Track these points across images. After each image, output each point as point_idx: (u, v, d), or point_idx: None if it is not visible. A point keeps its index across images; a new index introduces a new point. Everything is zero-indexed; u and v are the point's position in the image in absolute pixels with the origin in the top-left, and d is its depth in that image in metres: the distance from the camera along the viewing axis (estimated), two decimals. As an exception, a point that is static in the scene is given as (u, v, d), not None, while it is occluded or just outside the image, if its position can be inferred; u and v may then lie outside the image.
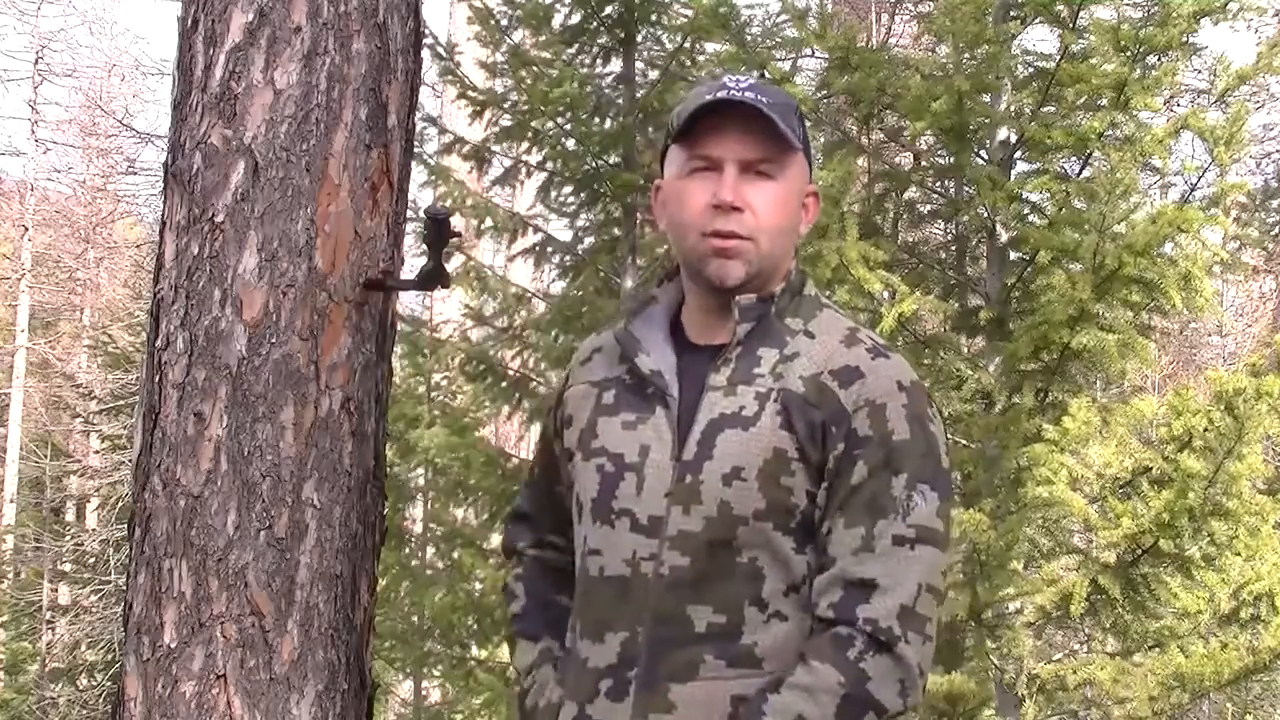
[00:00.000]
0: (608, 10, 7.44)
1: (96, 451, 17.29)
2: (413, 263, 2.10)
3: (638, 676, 1.82)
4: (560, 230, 8.86)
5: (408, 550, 8.36)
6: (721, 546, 1.81)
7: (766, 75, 5.98)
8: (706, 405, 1.85)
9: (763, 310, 1.88)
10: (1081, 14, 5.76)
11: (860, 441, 1.81)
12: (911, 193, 6.60)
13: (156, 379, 2.03)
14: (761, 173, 1.86)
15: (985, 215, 5.89)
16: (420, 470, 8.36)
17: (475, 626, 7.73)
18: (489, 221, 7.91)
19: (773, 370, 1.85)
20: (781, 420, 1.82)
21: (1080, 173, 5.96)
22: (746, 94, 1.85)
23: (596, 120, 7.54)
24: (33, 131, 22.55)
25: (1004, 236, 5.95)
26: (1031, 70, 6.13)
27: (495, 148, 7.99)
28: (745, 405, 1.84)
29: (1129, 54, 5.51)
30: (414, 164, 3.25)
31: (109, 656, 13.16)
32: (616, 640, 1.84)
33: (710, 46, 7.27)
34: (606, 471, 1.88)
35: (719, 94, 1.84)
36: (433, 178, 8.12)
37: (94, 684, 13.60)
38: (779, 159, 1.86)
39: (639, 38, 7.63)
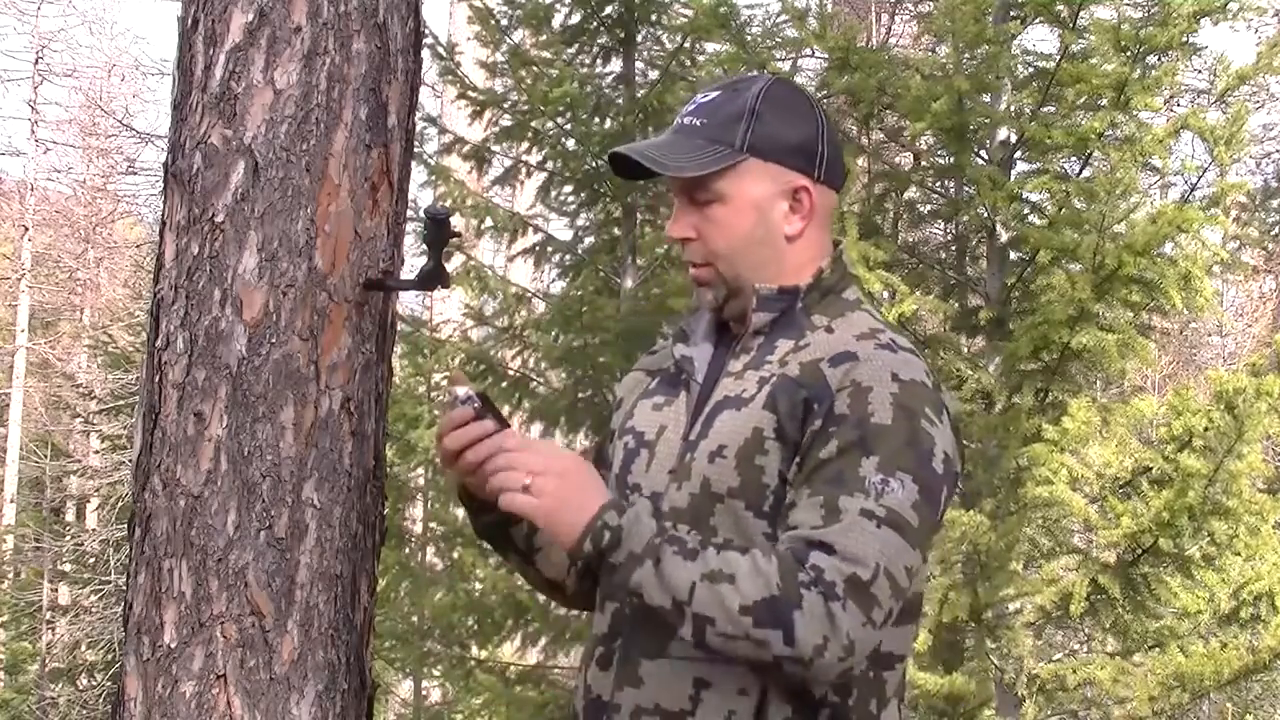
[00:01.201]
0: (608, 10, 7.45)
1: (96, 451, 17.29)
2: (413, 263, 2.09)
3: (620, 647, 1.86)
4: (560, 230, 8.88)
5: (408, 550, 8.36)
6: (702, 524, 1.82)
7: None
8: (720, 390, 1.89)
9: (785, 302, 1.89)
10: (1081, 14, 5.76)
11: (836, 420, 1.76)
12: (911, 193, 6.60)
13: (156, 379, 2.03)
14: (703, 200, 1.87)
15: (985, 215, 5.88)
16: (420, 470, 8.36)
17: (475, 626, 7.72)
18: (489, 221, 7.91)
19: (781, 358, 1.86)
20: (766, 400, 1.82)
21: (1080, 173, 5.96)
22: (686, 119, 1.89)
23: (596, 120, 7.54)
24: (33, 131, 22.57)
25: (1004, 236, 5.95)
26: (1031, 70, 6.12)
27: (495, 148, 7.99)
28: (747, 389, 1.85)
29: (1129, 54, 5.51)
30: (414, 164, 3.25)
31: (109, 656, 13.17)
32: (609, 611, 1.89)
33: (710, 46, 7.26)
34: (629, 448, 1.94)
35: (642, 144, 1.92)
36: (433, 178, 8.13)
37: (94, 684, 13.61)
38: (710, 183, 1.86)
39: (639, 38, 7.64)
